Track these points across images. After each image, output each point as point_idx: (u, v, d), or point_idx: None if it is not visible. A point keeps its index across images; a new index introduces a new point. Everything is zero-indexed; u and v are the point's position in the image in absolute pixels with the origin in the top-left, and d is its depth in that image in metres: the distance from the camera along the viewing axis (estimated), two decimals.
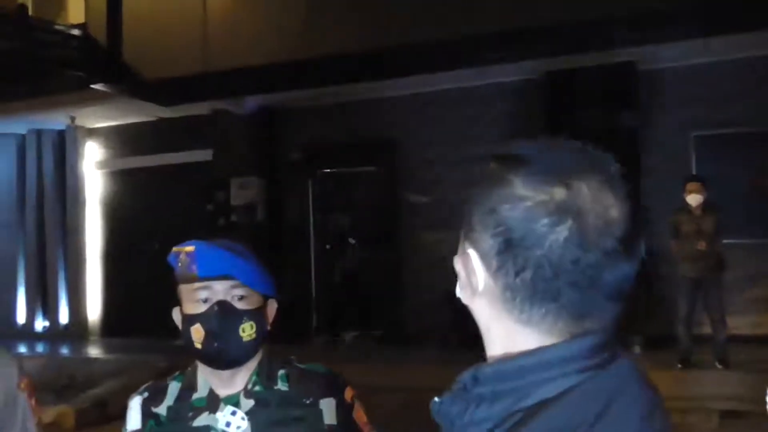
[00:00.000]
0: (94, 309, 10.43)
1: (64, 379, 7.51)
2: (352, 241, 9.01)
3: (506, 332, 0.80)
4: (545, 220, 0.74)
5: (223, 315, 1.48)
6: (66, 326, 10.34)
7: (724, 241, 6.28)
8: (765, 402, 5.40)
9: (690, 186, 6.20)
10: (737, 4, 6.05)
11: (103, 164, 10.52)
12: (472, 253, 0.80)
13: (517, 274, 0.76)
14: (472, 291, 0.81)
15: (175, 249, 1.54)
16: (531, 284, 0.75)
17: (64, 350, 9.43)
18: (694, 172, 7.12)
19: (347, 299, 9.04)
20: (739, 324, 6.79)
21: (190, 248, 1.50)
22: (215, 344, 1.48)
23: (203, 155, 9.38)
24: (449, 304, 7.35)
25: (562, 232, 0.74)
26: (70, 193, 10.40)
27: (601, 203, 0.75)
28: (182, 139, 9.59)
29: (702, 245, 6.09)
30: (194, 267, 1.48)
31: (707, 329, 6.39)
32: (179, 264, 1.53)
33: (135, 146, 10.19)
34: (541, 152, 0.79)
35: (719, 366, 6.15)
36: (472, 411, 0.77)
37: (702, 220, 6.19)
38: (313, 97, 8.69)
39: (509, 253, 0.76)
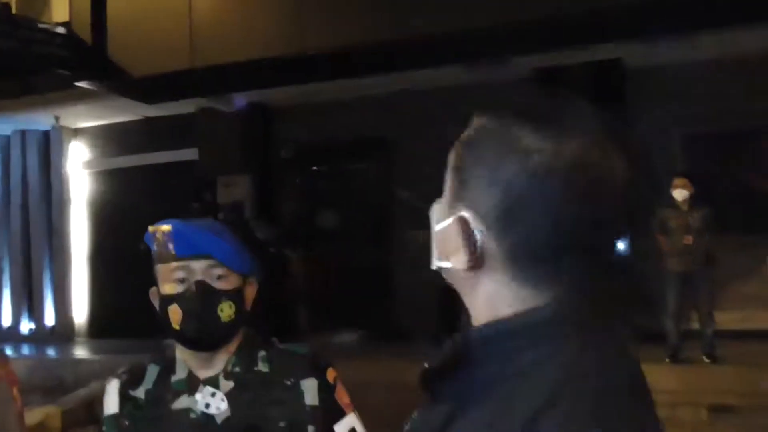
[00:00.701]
0: (80, 310, 10.33)
1: (52, 380, 7.44)
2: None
3: (494, 294, 0.76)
4: (550, 179, 0.71)
5: (201, 295, 1.44)
6: (52, 328, 10.24)
7: (712, 236, 6.33)
8: (754, 395, 5.43)
9: (677, 181, 6.27)
10: (724, 0, 6.07)
11: (88, 164, 10.43)
12: (468, 213, 0.75)
13: (514, 234, 0.73)
14: (468, 255, 0.76)
15: (151, 228, 1.51)
16: (528, 246, 0.73)
17: (51, 352, 9.33)
18: (679, 169, 7.16)
19: (338, 297, 9.01)
20: (726, 319, 6.82)
21: (166, 227, 1.48)
22: (193, 325, 1.45)
23: (190, 154, 9.31)
24: (440, 300, 7.36)
25: (566, 192, 0.71)
26: (55, 193, 10.31)
27: (611, 167, 0.72)
28: (169, 138, 9.52)
29: (688, 240, 6.17)
30: (171, 246, 1.46)
31: (696, 324, 6.43)
32: (155, 243, 1.49)
33: (121, 146, 10.10)
34: (552, 109, 0.76)
35: (706, 360, 6.20)
36: (461, 376, 0.76)
37: (689, 216, 6.25)
38: (304, 94, 8.63)
39: (508, 211, 0.72)
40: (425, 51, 7.08)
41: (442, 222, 0.80)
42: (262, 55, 6.99)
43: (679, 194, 6.23)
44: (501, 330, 0.74)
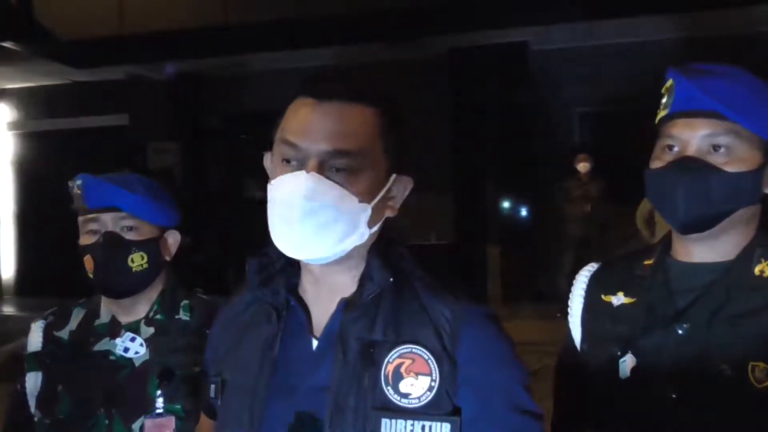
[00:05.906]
0: (7, 269, 9.90)
1: None
2: None
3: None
4: None
5: (109, 246, 1.43)
6: None
7: (607, 206, 6.64)
8: None
9: (580, 156, 6.70)
10: None
11: (14, 125, 9.89)
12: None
13: None
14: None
15: (69, 183, 1.49)
16: None
17: None
18: (577, 144, 7.47)
19: None
20: None
21: (78, 181, 1.47)
22: (104, 274, 1.44)
23: (120, 119, 8.94)
24: None
25: None
26: None
27: None
28: (98, 103, 9.12)
29: (587, 208, 6.49)
30: (83, 199, 1.45)
31: None
32: (74, 197, 1.48)
33: (49, 109, 9.61)
34: None
35: None
36: None
37: (589, 186, 6.60)
38: (233, 64, 8.40)
39: None
40: (345, 28, 7.01)
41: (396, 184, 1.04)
42: (189, 25, 6.78)
43: (582, 167, 6.63)
44: None
